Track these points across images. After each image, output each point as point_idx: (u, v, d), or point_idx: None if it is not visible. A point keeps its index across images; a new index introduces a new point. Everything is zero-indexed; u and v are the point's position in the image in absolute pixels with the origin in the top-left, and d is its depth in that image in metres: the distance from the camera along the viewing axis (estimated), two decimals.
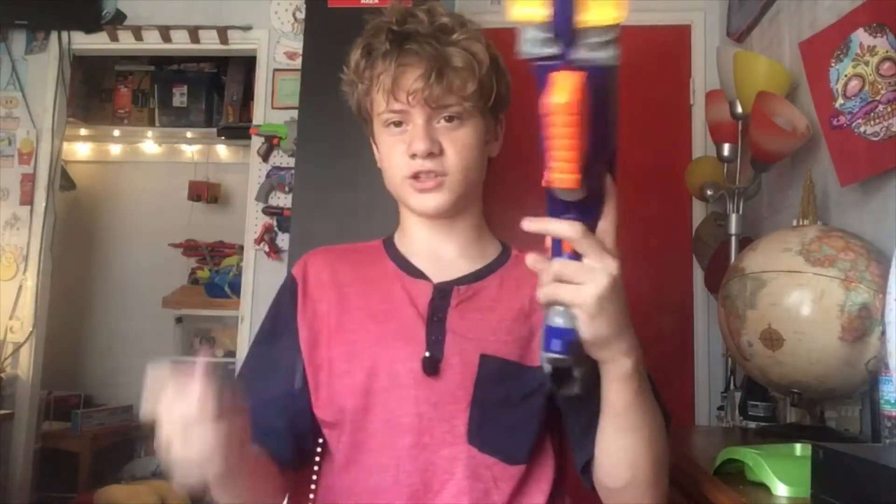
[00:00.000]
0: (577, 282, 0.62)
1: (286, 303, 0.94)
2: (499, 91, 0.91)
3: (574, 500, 0.91)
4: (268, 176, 2.90)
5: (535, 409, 0.86)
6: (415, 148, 0.86)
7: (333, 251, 0.99)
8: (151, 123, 3.83)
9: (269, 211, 2.86)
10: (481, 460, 0.84)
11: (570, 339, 0.65)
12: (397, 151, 0.88)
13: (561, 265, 0.63)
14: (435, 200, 0.89)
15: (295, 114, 2.53)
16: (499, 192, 2.57)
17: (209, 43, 3.05)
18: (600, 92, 0.56)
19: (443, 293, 0.90)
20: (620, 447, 0.75)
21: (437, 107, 0.86)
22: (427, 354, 0.81)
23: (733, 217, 2.03)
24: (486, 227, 0.98)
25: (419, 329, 0.86)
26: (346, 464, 0.88)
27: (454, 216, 0.93)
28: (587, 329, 0.63)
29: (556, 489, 0.88)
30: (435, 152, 0.86)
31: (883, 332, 0.94)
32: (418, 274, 0.92)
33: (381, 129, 0.91)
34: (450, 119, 0.87)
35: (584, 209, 0.63)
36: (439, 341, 0.85)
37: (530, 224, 0.63)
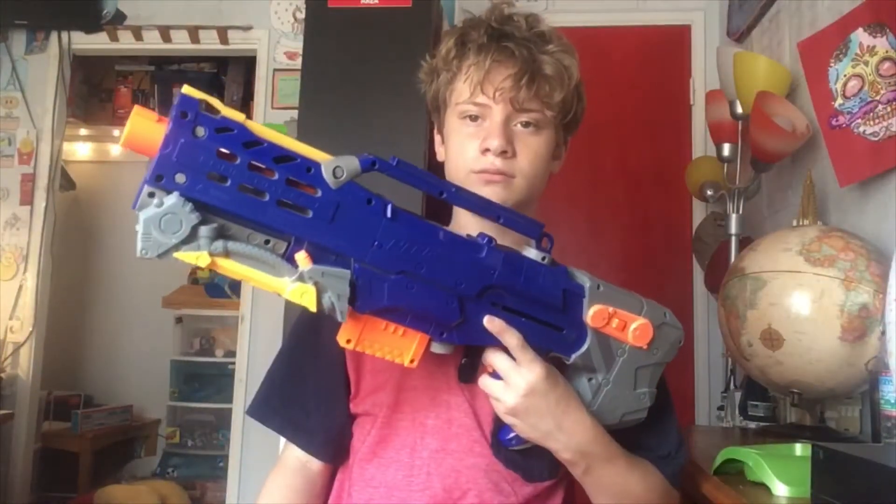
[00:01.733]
0: (496, 396, 0.76)
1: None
2: (576, 111, 0.91)
3: None
4: None
5: None
6: (489, 143, 0.85)
7: None
8: None
9: None
10: (505, 474, 0.84)
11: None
12: (470, 145, 0.87)
13: (482, 382, 0.76)
14: (498, 194, 0.86)
15: (295, 114, 2.53)
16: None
17: (209, 43, 3.05)
18: None
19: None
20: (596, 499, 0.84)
21: (519, 109, 0.86)
22: (464, 360, 0.79)
23: (733, 217, 2.03)
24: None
25: None
26: (369, 457, 0.87)
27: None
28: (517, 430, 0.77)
29: None
30: (508, 152, 0.85)
31: (883, 332, 0.94)
32: None
33: (457, 120, 0.89)
34: (527, 124, 0.87)
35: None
36: (479, 349, 0.83)
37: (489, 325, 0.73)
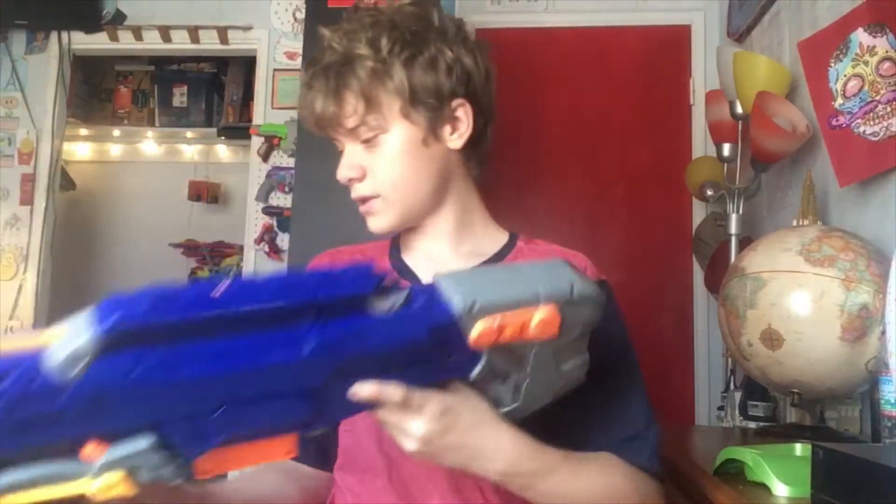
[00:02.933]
0: (399, 443, 0.66)
1: None
2: (430, 81, 0.83)
3: None
4: (268, 176, 2.90)
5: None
6: (338, 178, 0.87)
7: (340, 252, 0.97)
8: (151, 123, 3.83)
9: (269, 211, 2.87)
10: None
11: None
12: None
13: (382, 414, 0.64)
14: (375, 223, 0.87)
15: (295, 114, 2.53)
16: (511, 181, 2.58)
17: (209, 43, 3.05)
18: None
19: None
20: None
21: (342, 133, 0.85)
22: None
23: (733, 217, 2.03)
24: (480, 221, 0.93)
25: None
26: (341, 462, 0.88)
27: (420, 222, 0.90)
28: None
29: None
30: (356, 177, 0.85)
31: (883, 332, 0.94)
32: (409, 274, 0.90)
33: None
34: (362, 141, 0.85)
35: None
36: None
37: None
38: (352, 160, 0.85)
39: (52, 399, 0.49)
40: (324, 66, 0.83)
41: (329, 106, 0.82)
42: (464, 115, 0.86)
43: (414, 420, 0.64)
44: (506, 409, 0.69)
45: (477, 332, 0.61)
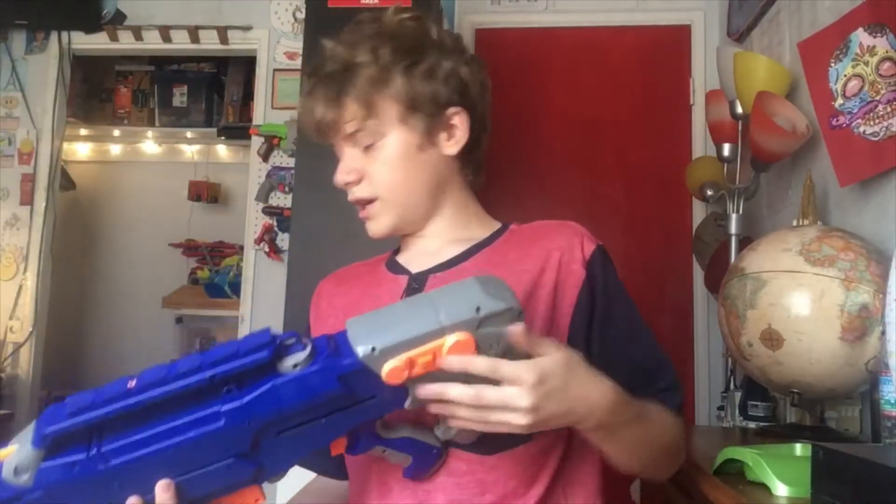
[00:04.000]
0: (507, 404, 0.64)
1: (305, 327, 0.98)
2: (428, 90, 0.86)
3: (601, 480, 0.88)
4: (268, 176, 2.90)
5: None
6: (334, 183, 0.89)
7: (346, 270, 1.01)
8: (151, 123, 3.83)
9: (269, 211, 2.86)
10: (454, 454, 0.80)
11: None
12: None
13: (481, 395, 0.64)
14: (373, 227, 0.90)
15: (295, 114, 2.53)
16: (506, 171, 2.58)
17: (209, 43, 3.05)
18: None
19: (418, 281, 0.89)
20: (616, 460, 0.80)
21: (339, 137, 0.88)
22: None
23: (733, 217, 2.03)
24: (474, 214, 0.95)
25: None
26: (349, 472, 0.90)
27: (419, 227, 0.92)
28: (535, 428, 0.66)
29: (569, 474, 0.84)
30: (353, 181, 0.88)
31: (883, 332, 0.94)
32: (401, 270, 0.92)
33: None
34: (360, 145, 0.88)
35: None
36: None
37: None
38: (350, 164, 0.88)
39: (16, 500, 0.60)
40: (325, 75, 0.86)
41: (329, 112, 0.85)
42: (459, 122, 0.89)
43: (516, 393, 0.63)
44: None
45: (385, 371, 0.63)
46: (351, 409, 0.66)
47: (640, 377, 0.83)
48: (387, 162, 0.87)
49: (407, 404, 0.67)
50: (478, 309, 0.64)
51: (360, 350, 0.64)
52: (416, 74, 0.85)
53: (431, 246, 0.93)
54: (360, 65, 0.84)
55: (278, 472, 0.68)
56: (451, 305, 0.64)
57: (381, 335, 0.64)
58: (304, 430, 0.65)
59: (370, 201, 0.88)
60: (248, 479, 0.65)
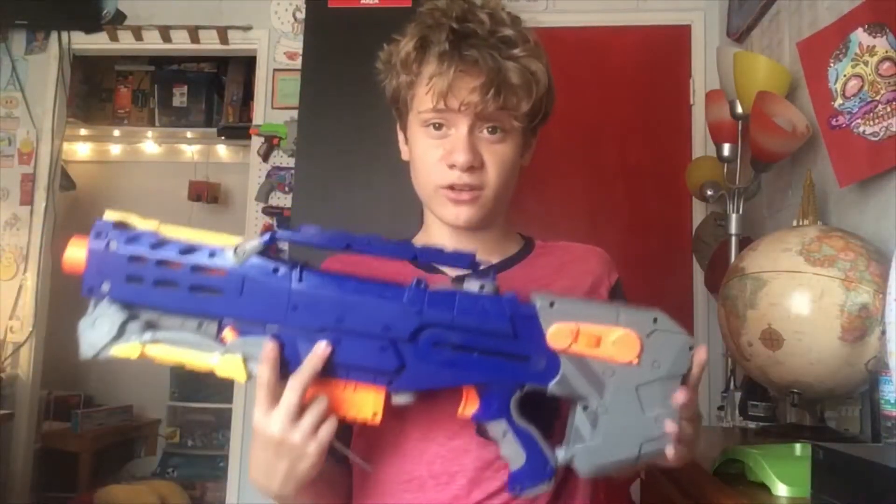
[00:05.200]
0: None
1: None
2: (545, 110, 0.90)
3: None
4: (268, 176, 2.90)
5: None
6: (455, 159, 0.83)
7: (350, 256, 0.97)
8: (151, 123, 3.83)
9: (269, 211, 2.86)
10: (491, 450, 0.79)
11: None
12: (434, 156, 0.85)
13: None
14: (468, 213, 0.86)
15: (295, 114, 2.53)
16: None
17: (209, 43, 3.05)
18: None
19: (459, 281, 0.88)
20: None
21: (485, 118, 0.84)
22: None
23: (733, 217, 2.03)
24: (509, 228, 0.97)
25: None
26: (365, 450, 0.86)
27: (484, 227, 0.91)
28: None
29: (570, 473, 0.82)
30: (476, 166, 0.84)
31: (883, 332, 0.94)
32: (437, 271, 0.89)
33: (419, 127, 0.87)
34: (493, 130, 0.85)
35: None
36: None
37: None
38: (474, 146, 0.84)
39: (221, 274, 0.67)
40: (490, 43, 0.83)
41: (509, 91, 0.82)
42: (535, 138, 0.93)
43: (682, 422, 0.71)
44: (582, 446, 0.71)
45: (552, 330, 0.69)
46: (503, 359, 0.70)
47: None
48: (504, 160, 0.86)
49: (553, 383, 0.70)
50: (655, 320, 0.71)
51: (539, 301, 0.70)
52: (551, 91, 0.90)
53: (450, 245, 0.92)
54: (542, 73, 0.87)
55: (411, 387, 0.70)
56: (632, 311, 0.71)
57: (561, 299, 0.70)
58: (455, 356, 0.69)
59: (479, 189, 0.86)
60: (387, 372, 0.69)
